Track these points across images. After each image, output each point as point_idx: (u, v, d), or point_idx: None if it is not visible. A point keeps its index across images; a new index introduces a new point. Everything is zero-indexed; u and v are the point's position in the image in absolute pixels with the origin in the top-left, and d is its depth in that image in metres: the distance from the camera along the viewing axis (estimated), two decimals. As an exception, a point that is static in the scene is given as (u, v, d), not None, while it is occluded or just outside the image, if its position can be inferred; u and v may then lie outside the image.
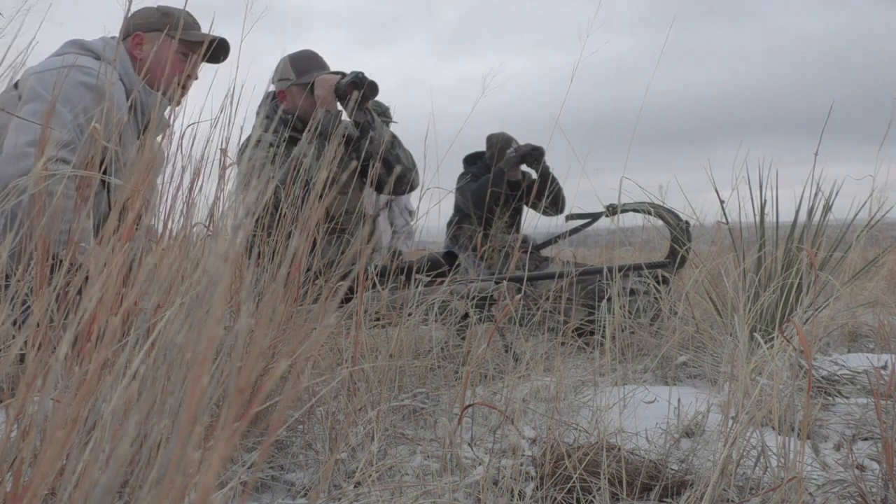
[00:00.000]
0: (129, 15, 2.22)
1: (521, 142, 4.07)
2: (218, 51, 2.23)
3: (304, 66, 2.72)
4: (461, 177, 4.31)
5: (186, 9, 2.21)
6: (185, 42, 2.18)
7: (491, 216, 3.83)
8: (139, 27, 2.17)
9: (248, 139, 2.47)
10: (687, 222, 2.91)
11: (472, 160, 4.36)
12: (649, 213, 2.98)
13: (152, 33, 2.16)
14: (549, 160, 3.93)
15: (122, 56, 2.15)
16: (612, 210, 3.06)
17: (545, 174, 3.90)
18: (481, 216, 3.91)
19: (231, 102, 1.48)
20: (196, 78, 2.21)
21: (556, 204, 3.99)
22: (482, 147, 4.32)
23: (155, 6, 2.19)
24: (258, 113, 2.69)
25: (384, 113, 4.01)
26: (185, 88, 2.15)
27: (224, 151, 1.43)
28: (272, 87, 2.77)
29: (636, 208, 3.05)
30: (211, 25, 1.86)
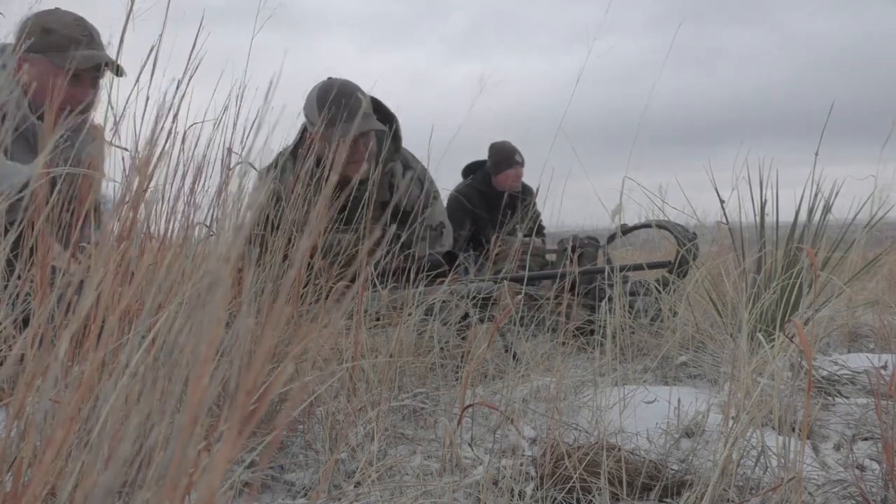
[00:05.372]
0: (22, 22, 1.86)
1: (523, 147, 4.10)
2: (102, 68, 1.91)
3: (331, 112, 2.39)
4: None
5: (80, 17, 1.91)
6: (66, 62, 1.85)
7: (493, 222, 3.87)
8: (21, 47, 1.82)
9: (272, 166, 2.19)
10: (694, 233, 2.89)
11: (472, 170, 4.35)
12: (661, 228, 2.97)
13: (33, 55, 1.87)
14: (553, 161, 3.94)
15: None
16: (623, 229, 3.05)
17: (535, 216, 3.91)
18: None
19: (235, 102, 1.48)
20: (90, 100, 1.93)
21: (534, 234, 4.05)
22: (484, 146, 4.32)
23: (35, 18, 1.88)
24: (291, 152, 2.48)
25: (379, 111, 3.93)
26: (79, 112, 1.86)
27: (230, 150, 1.42)
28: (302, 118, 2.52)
29: (644, 225, 3.06)
30: (200, 24, 1.77)
